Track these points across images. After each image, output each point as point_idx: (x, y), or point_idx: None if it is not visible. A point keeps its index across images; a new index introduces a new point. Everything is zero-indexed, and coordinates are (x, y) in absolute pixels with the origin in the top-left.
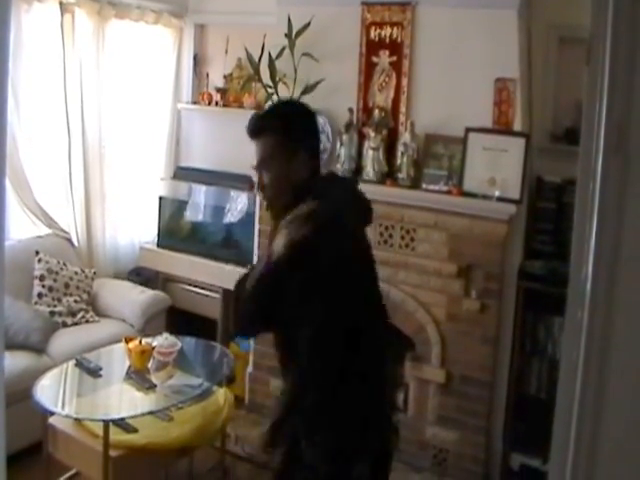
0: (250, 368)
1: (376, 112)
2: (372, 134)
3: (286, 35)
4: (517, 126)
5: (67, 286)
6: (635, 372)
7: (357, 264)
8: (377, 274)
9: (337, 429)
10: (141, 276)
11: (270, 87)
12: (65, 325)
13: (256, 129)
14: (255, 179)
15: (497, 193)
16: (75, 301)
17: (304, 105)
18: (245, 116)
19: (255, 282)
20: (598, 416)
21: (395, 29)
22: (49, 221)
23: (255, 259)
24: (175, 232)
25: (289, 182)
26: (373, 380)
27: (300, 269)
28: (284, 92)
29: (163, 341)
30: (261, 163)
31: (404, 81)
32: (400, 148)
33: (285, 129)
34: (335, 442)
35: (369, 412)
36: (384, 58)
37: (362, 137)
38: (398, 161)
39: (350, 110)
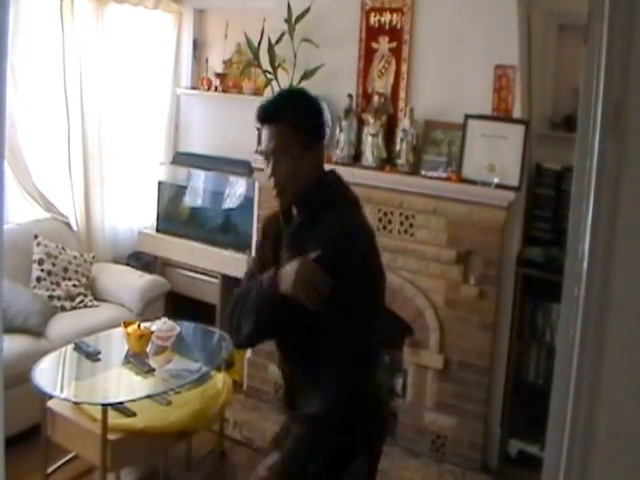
0: (248, 353)
1: (375, 98)
2: (371, 120)
3: (286, 20)
4: (516, 113)
5: (66, 270)
6: (632, 349)
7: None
8: None
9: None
10: (140, 261)
11: (269, 72)
12: (64, 309)
13: (272, 115)
14: (265, 162)
15: (496, 180)
16: (74, 285)
17: (313, 96)
18: (244, 101)
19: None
20: (595, 394)
21: (395, 15)
22: (48, 205)
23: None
24: (174, 217)
25: (301, 174)
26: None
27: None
28: (283, 77)
29: (162, 325)
30: (275, 151)
31: (404, 67)
32: (399, 134)
33: (302, 120)
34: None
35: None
36: (384, 44)
37: (361, 123)
38: (397, 147)
39: (349, 96)
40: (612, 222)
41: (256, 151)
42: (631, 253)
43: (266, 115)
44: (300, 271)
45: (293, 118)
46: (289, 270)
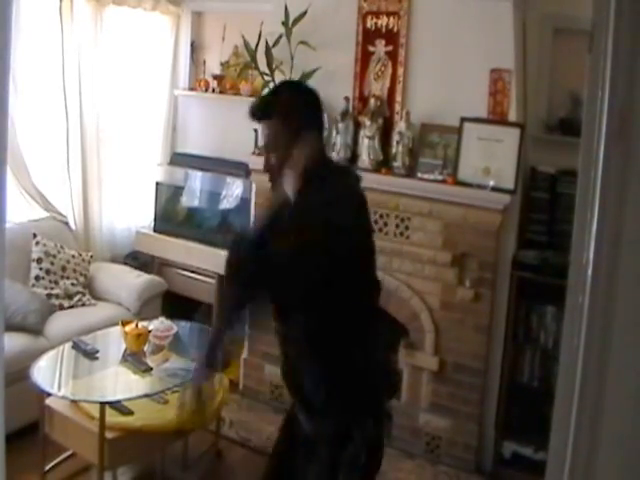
0: (245, 354)
1: (372, 101)
2: (368, 123)
3: (283, 23)
4: (512, 116)
5: (64, 269)
6: (637, 358)
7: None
8: None
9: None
10: (137, 260)
11: (267, 74)
12: (62, 308)
13: (259, 113)
14: (255, 165)
15: (491, 183)
16: (72, 284)
17: (305, 85)
18: (242, 103)
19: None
20: (599, 403)
21: (391, 18)
22: (47, 205)
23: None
24: (171, 217)
25: (291, 164)
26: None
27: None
28: (281, 80)
29: (159, 325)
30: (267, 145)
31: (400, 70)
32: (395, 137)
33: (288, 113)
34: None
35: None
36: (380, 47)
37: (358, 125)
38: (393, 150)
39: (346, 98)
40: (617, 230)
41: (253, 152)
42: (636, 261)
43: (253, 114)
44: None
45: (272, 114)
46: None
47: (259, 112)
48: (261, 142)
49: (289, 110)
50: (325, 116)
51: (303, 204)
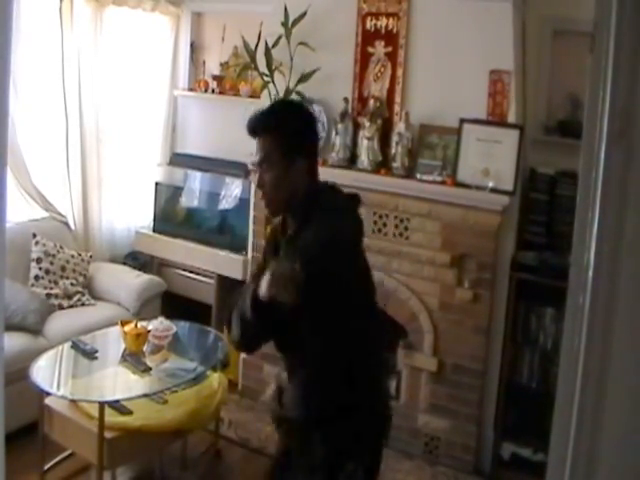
0: (244, 354)
1: (371, 102)
2: (367, 123)
3: (282, 24)
4: (511, 118)
5: (64, 269)
6: (638, 358)
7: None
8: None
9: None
10: (137, 260)
11: (266, 75)
12: (61, 307)
13: (256, 129)
14: (254, 173)
15: (491, 184)
16: (71, 284)
17: (304, 107)
18: (241, 104)
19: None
20: (600, 403)
21: (391, 20)
22: (46, 204)
23: (250, 247)
24: (171, 217)
25: (286, 185)
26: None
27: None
28: (280, 80)
29: (158, 325)
30: (261, 162)
31: (399, 71)
32: (395, 138)
33: (284, 134)
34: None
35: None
36: (380, 48)
37: (357, 126)
38: (393, 151)
39: (345, 99)
40: (618, 231)
41: (252, 153)
42: (637, 262)
43: (251, 128)
44: (273, 271)
45: (276, 131)
46: (265, 275)
47: (254, 127)
48: (255, 157)
49: (283, 132)
50: (321, 141)
51: (300, 237)
